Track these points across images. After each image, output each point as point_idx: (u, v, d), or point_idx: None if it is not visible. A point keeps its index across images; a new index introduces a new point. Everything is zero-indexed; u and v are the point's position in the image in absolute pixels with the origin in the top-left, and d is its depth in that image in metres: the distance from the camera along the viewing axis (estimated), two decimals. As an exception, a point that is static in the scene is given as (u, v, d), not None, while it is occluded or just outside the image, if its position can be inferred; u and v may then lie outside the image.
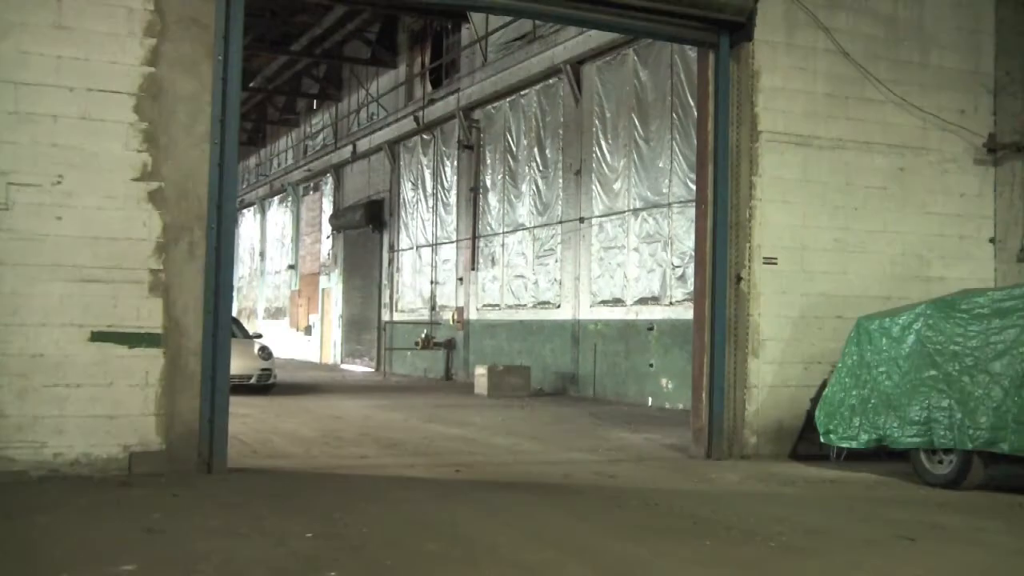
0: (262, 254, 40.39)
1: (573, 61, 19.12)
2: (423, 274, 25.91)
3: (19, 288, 7.81)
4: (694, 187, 11.76)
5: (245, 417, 12.73)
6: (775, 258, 10.36)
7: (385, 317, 27.71)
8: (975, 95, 11.37)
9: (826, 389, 9.68)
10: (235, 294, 34.76)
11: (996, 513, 7.61)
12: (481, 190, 22.99)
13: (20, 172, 7.84)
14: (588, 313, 18.90)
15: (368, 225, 28.63)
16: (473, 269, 23.22)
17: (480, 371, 19.00)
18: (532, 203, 20.93)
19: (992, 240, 11.40)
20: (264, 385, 17.66)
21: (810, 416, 10.02)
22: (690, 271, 14.26)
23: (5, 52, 7.83)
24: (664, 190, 16.76)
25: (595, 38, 18.02)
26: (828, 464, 9.67)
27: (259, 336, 20.19)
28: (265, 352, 18.11)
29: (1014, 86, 11.25)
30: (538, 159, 20.70)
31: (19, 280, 7.81)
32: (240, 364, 16.64)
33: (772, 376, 10.28)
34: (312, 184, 34.70)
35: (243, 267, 41.64)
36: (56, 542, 5.87)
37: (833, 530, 6.80)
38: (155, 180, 8.23)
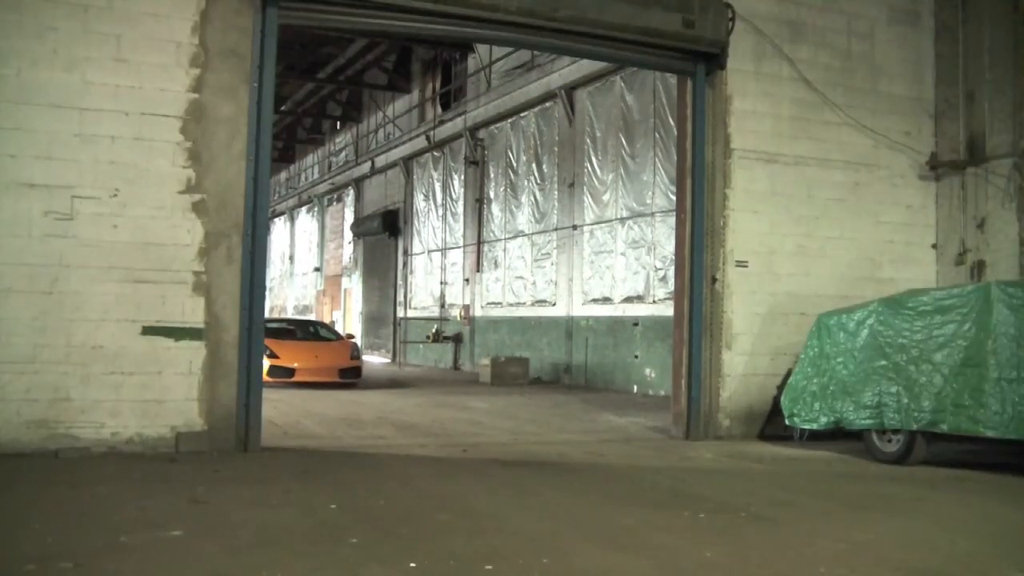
0: (291, 258, 40.41)
1: (567, 87, 19.17)
2: (433, 275, 25.94)
3: (82, 288, 7.90)
4: (674, 198, 11.82)
5: (277, 402, 12.78)
6: (746, 261, 10.41)
7: (400, 314, 27.74)
8: (918, 119, 11.43)
9: (790, 377, 9.71)
10: (268, 293, 34.76)
11: (935, 485, 7.68)
12: (485, 201, 23.02)
13: (83, 186, 7.93)
14: (580, 310, 18.94)
15: (385, 232, 28.65)
16: (478, 271, 23.26)
17: (484, 362, 19.00)
18: (531, 212, 20.97)
19: (934, 246, 11.46)
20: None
21: (776, 401, 10.05)
22: (671, 273, 14.30)
23: (72, 83, 7.93)
24: (648, 201, 16.81)
25: (586, 66, 18.05)
26: (792, 443, 9.70)
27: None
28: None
29: (952, 111, 11.32)
30: (536, 173, 20.74)
31: (82, 281, 7.90)
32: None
33: (743, 366, 10.33)
34: (335, 196, 34.72)
35: (275, 269, 41.62)
36: (115, 509, 5.95)
37: (796, 501, 6.85)
38: (198, 193, 8.30)
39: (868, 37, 11.21)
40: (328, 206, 35.74)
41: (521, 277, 21.35)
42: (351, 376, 16.66)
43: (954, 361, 8.20)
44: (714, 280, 10.27)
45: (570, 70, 18.88)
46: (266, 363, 13.58)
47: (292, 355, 16.26)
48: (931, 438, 8.47)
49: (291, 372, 15.92)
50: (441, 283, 25.39)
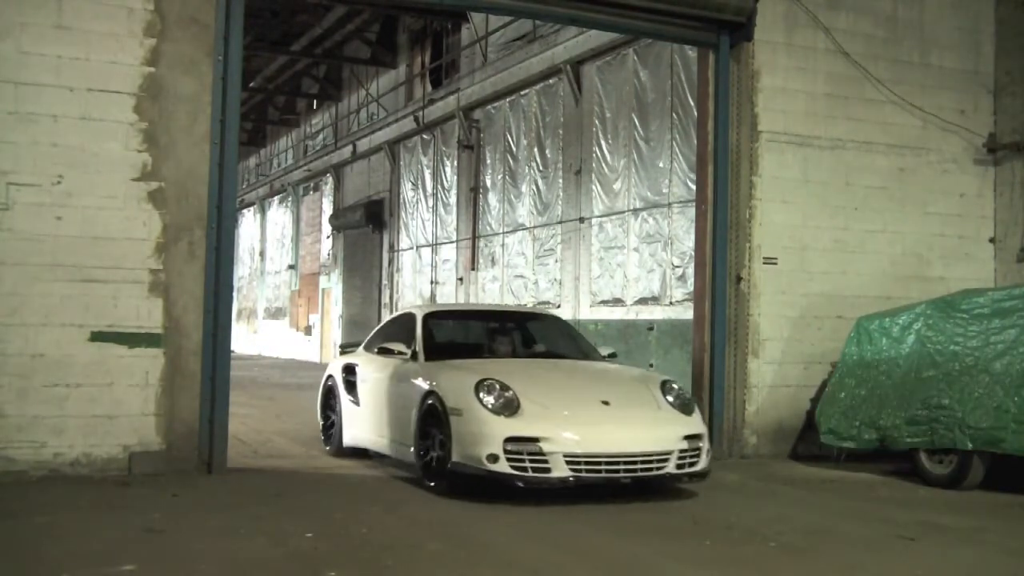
0: (262, 254, 40.37)
1: (573, 61, 19.10)
2: (423, 274, 25.89)
3: (19, 288, 7.81)
4: (694, 187, 11.75)
5: (245, 417, 12.71)
6: (775, 258, 10.36)
7: (385, 317, 27.65)
8: (975, 95, 11.37)
9: (826, 389, 9.68)
10: (235, 294, 34.71)
11: (996, 513, 7.60)
12: (481, 190, 22.97)
13: (20, 172, 7.84)
14: (588, 313, 18.87)
15: (368, 225, 28.61)
16: (473, 269, 23.20)
17: (480, 371, 18.77)
18: (532, 203, 20.92)
19: (992, 240, 11.40)
20: (693, 473, 7.70)
21: (810, 416, 10.02)
22: (690, 271, 14.25)
23: (5, 52, 7.83)
24: (664, 190, 16.74)
25: (595, 38, 17.98)
26: (828, 464, 9.67)
27: (613, 354, 9.81)
28: (680, 398, 8.09)
29: (1014, 86, 11.26)
30: (538, 159, 20.68)
31: (19, 280, 7.81)
32: (629, 428, 7.60)
33: (772, 376, 10.28)
34: (312, 184, 34.68)
35: (243, 267, 41.61)
36: (56, 542, 5.87)
37: (833, 530, 6.80)
38: (155, 180, 8.22)
39: (917, 2, 11.15)
40: (304, 196, 35.69)
41: (521, 276, 21.29)
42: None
43: (1016, 371, 8.11)
44: (739, 279, 10.21)
45: (576, 42, 18.81)
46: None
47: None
48: (990, 459, 8.37)
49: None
50: (432, 283, 25.34)
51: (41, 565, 5.35)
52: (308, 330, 34.01)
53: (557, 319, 10.71)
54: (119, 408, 8.07)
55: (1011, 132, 11.24)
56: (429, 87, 26.09)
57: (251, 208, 41.62)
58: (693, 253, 11.13)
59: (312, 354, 33.16)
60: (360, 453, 9.56)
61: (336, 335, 31.37)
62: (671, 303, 16.52)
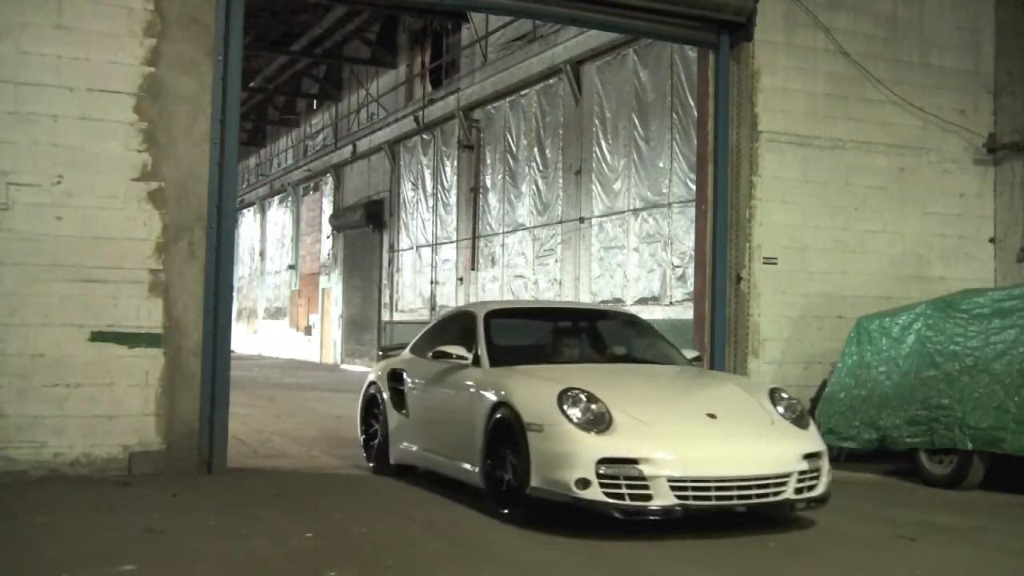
0: (262, 254, 40.36)
1: (573, 61, 19.09)
2: (423, 274, 25.88)
3: (19, 288, 7.80)
4: (694, 187, 11.75)
5: (246, 417, 12.69)
6: (775, 258, 10.35)
7: (385, 317, 27.68)
8: (975, 95, 11.36)
9: (826, 389, 9.66)
10: (235, 294, 34.58)
11: (996, 513, 7.59)
12: (481, 190, 22.96)
13: (20, 172, 7.83)
14: (588, 313, 18.84)
15: (368, 225, 28.59)
16: (473, 269, 23.19)
17: (480, 371, 18.72)
18: (532, 203, 20.90)
19: (992, 240, 11.39)
20: (812, 498, 6.59)
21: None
22: (690, 271, 14.24)
23: (5, 52, 7.82)
24: (664, 190, 16.73)
25: (595, 38, 17.97)
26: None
27: (699, 358, 8.87)
28: (793, 409, 7.10)
29: (1014, 86, 11.25)
30: (538, 159, 20.67)
31: (19, 280, 7.80)
32: (742, 446, 6.52)
33: (772, 376, 10.25)
34: (312, 184, 34.66)
35: (243, 267, 41.58)
36: (56, 542, 5.85)
37: (833, 530, 6.77)
38: (155, 180, 8.21)
39: (917, 2, 11.15)
40: (304, 196, 35.67)
41: (521, 276, 21.28)
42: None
43: (1016, 371, 8.10)
44: (739, 279, 10.20)
45: (576, 42, 18.80)
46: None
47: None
48: (990, 459, 8.35)
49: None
50: (432, 282, 25.33)
51: (41, 565, 5.34)
52: (308, 330, 33.98)
53: (635, 317, 9.26)
54: (119, 408, 8.06)
55: (1011, 132, 11.23)
56: (429, 87, 26.07)
57: (251, 208, 41.59)
58: (693, 253, 11.13)
59: (312, 354, 33.15)
60: (406, 470, 8.47)
61: (336, 335, 31.37)
62: (671, 303, 16.51)
